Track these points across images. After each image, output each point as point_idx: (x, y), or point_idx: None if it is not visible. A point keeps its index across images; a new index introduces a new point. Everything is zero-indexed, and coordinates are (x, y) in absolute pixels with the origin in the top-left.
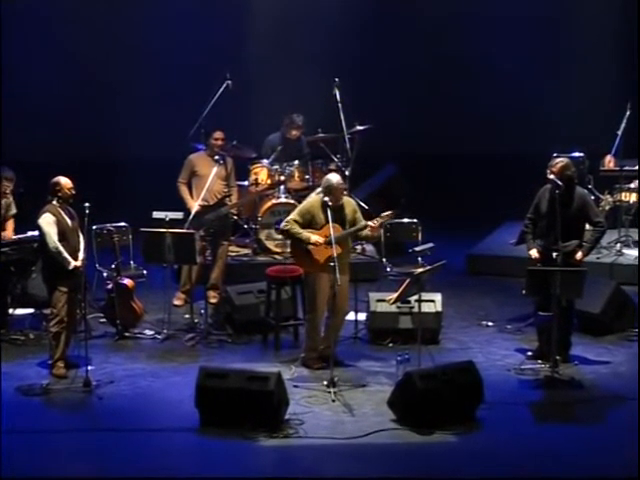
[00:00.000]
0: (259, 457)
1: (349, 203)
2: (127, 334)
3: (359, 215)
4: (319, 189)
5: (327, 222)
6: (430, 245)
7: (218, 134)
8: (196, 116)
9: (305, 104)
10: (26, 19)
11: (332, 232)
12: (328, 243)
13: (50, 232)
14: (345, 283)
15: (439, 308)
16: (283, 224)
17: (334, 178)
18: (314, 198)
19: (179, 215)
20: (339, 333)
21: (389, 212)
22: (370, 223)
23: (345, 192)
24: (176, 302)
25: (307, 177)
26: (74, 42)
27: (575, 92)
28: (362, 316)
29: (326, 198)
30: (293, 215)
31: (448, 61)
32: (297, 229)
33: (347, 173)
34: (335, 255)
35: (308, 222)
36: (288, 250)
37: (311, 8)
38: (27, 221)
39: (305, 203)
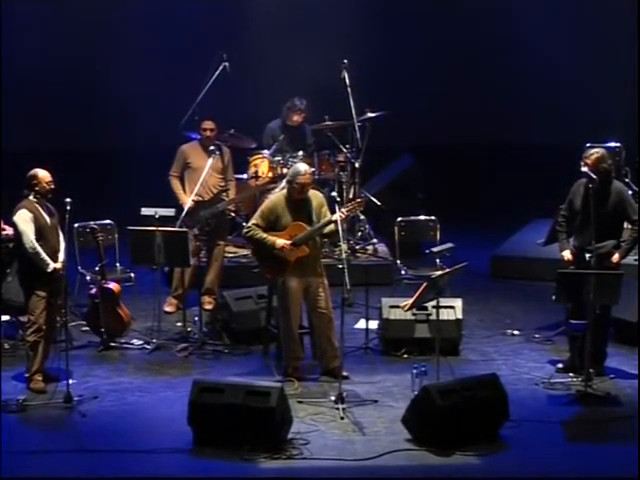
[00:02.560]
0: None
1: (316, 196)
2: (113, 344)
3: (326, 209)
4: (283, 184)
5: (293, 222)
6: (449, 245)
7: (207, 124)
8: (190, 101)
9: (311, 88)
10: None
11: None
12: (294, 244)
13: (27, 230)
14: (321, 285)
15: (459, 315)
16: (244, 230)
17: (301, 167)
18: (277, 196)
19: (170, 212)
20: (335, 341)
21: (357, 201)
22: (336, 216)
23: (313, 184)
24: (167, 308)
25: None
26: (59, 23)
27: (610, 77)
28: (374, 324)
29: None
30: (254, 218)
31: (471, 43)
32: (261, 234)
33: (357, 165)
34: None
35: (272, 224)
36: None
37: None
38: (2, 218)
39: (267, 202)
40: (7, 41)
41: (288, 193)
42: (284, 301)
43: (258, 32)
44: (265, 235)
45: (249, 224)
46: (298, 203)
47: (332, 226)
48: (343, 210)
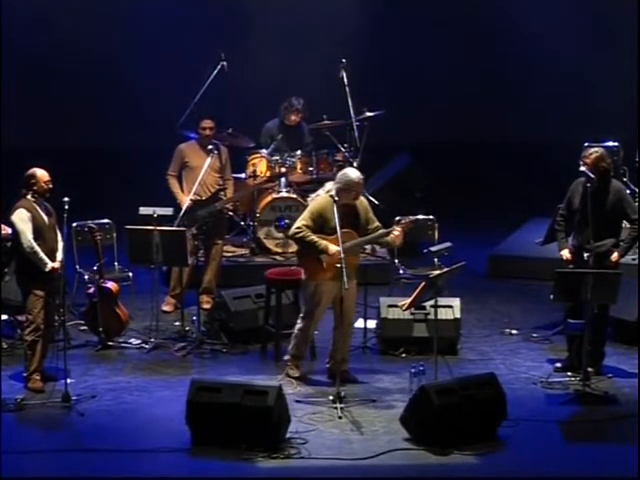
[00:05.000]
0: None
1: (361, 202)
2: (111, 343)
3: (372, 215)
4: (329, 186)
5: (341, 227)
6: (448, 245)
7: (206, 122)
8: (188, 100)
9: (309, 88)
10: None
11: (340, 238)
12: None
13: (25, 230)
14: (353, 290)
15: (457, 314)
16: (294, 230)
17: (353, 173)
18: (324, 198)
19: (168, 211)
20: (349, 344)
21: (411, 218)
22: (394, 232)
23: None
24: (165, 308)
25: (310, 169)
26: (57, 20)
27: (609, 77)
28: (372, 323)
29: (336, 195)
30: (304, 219)
31: (471, 42)
32: (312, 237)
33: (355, 164)
34: (343, 264)
35: (320, 226)
36: (289, 250)
37: None
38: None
39: (315, 204)
40: (7, 39)
41: (338, 198)
42: (312, 303)
43: (256, 31)
44: (317, 239)
45: (298, 224)
46: (345, 208)
47: (388, 238)
48: (398, 227)
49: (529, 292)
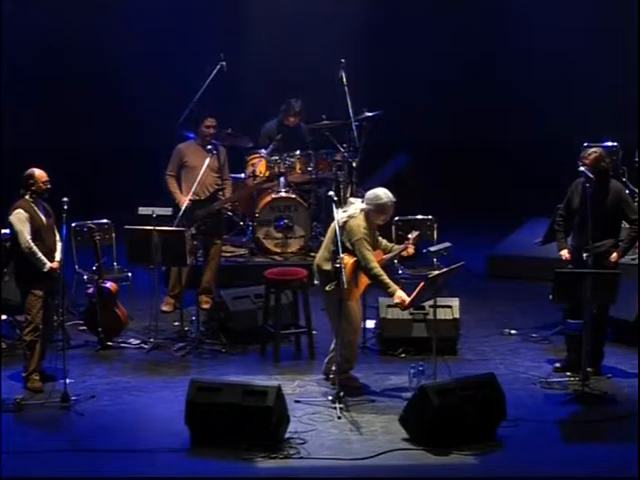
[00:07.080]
0: None
1: None
2: (110, 343)
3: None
4: (357, 204)
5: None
6: (447, 245)
7: (209, 121)
8: (187, 101)
9: (308, 88)
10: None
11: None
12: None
13: (23, 230)
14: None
15: (457, 315)
16: (376, 272)
17: (386, 196)
18: (362, 220)
19: (167, 211)
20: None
21: (417, 233)
22: (409, 250)
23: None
24: (164, 308)
25: (310, 169)
26: (56, 20)
27: (609, 77)
28: (371, 324)
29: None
30: (369, 253)
31: (471, 43)
32: (385, 277)
33: (354, 164)
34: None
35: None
36: (288, 250)
37: None
38: None
39: (363, 230)
40: (6, 39)
41: (367, 217)
42: (352, 320)
43: (256, 31)
44: (389, 280)
45: (372, 262)
46: (372, 226)
47: (409, 250)
48: (411, 244)
49: (528, 292)
